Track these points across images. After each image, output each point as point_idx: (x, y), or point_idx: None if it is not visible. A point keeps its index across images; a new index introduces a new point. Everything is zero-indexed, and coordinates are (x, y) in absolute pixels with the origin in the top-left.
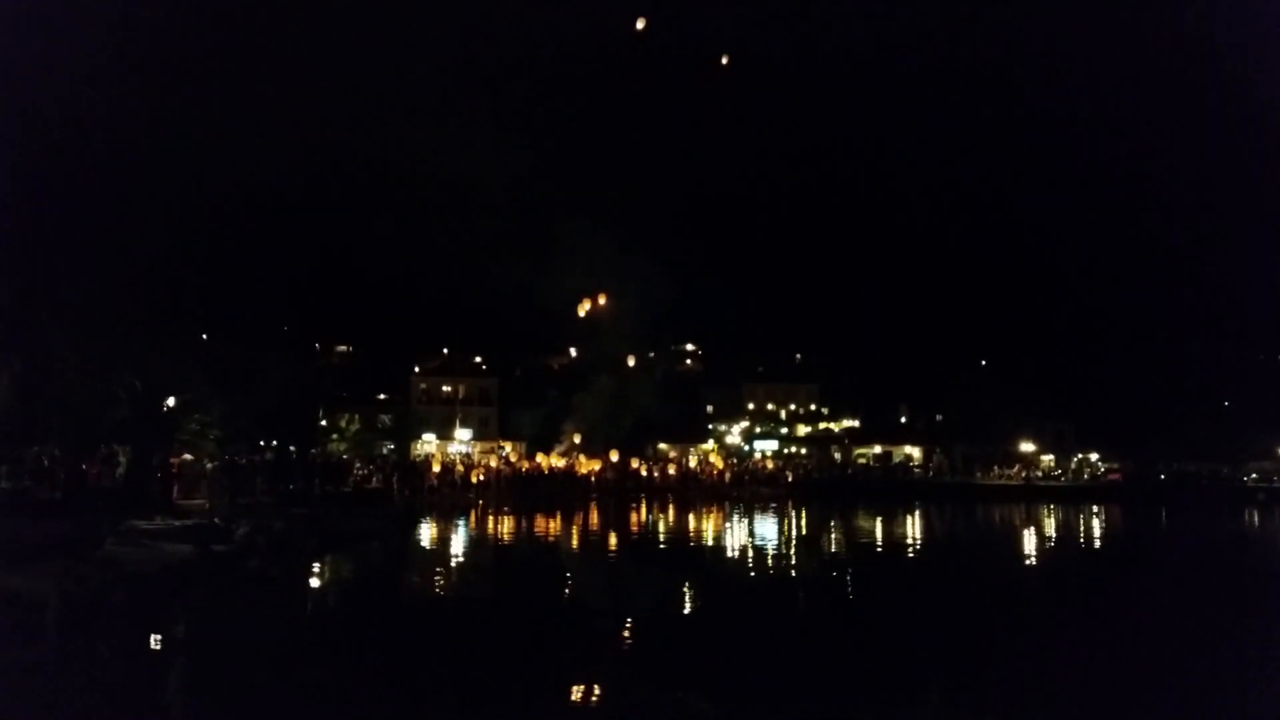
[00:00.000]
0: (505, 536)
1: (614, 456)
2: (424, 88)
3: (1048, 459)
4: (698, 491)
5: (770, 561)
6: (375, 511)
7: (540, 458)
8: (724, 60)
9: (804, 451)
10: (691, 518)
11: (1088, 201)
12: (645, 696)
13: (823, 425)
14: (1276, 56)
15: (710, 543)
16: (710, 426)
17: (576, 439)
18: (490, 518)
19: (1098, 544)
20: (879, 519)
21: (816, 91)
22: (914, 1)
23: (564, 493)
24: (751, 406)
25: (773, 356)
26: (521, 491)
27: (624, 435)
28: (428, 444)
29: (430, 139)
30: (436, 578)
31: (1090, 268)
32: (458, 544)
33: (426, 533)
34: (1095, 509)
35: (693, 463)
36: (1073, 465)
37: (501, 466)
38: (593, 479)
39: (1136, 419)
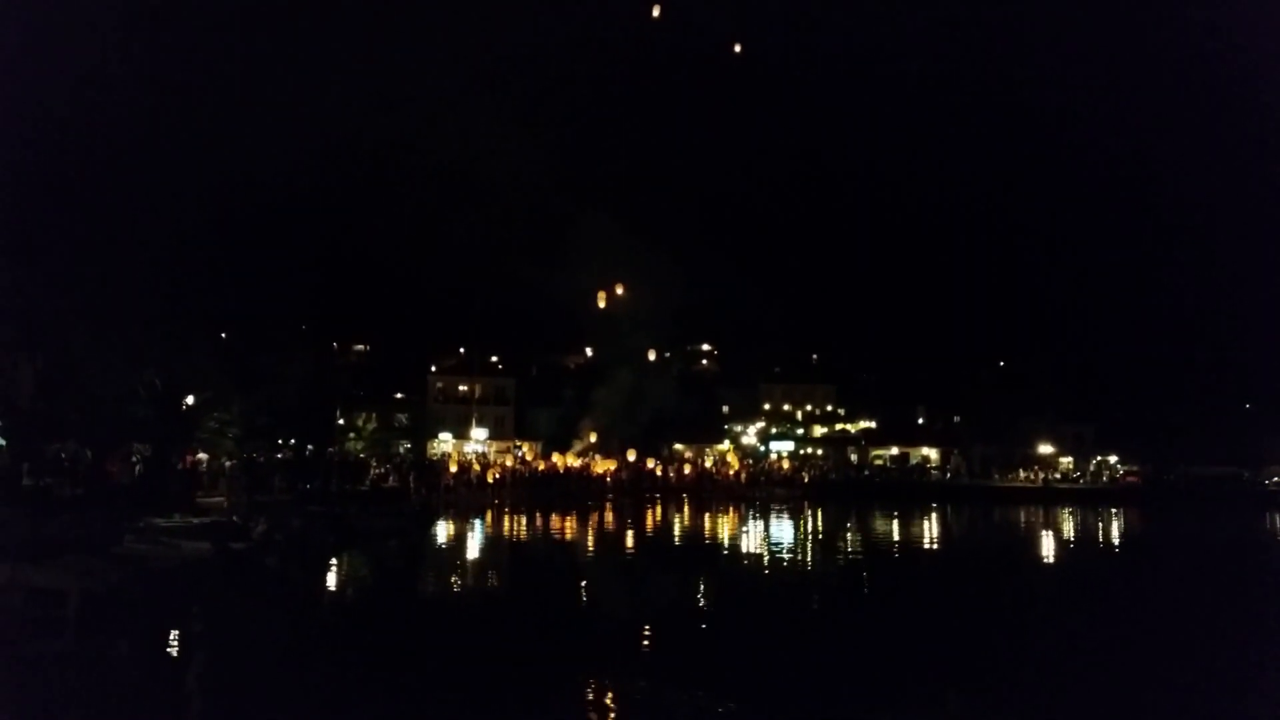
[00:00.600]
0: (521, 536)
1: (630, 456)
2: (440, 86)
3: (1066, 461)
4: (713, 492)
5: (786, 563)
6: (392, 510)
7: (556, 457)
8: (737, 48)
9: (820, 452)
10: (707, 518)
11: (1110, 201)
12: (657, 696)
13: (839, 426)
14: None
15: (726, 544)
16: (726, 427)
17: (593, 438)
18: (506, 517)
19: (1114, 547)
20: (895, 521)
21: (831, 91)
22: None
23: (580, 493)
24: (768, 407)
25: (789, 356)
26: (537, 491)
27: (640, 434)
28: (444, 443)
29: (447, 138)
30: (453, 576)
31: (1112, 269)
32: (474, 543)
33: (443, 532)
34: (1114, 512)
35: (708, 463)
36: (1091, 468)
37: (518, 466)
38: (608, 479)
39: (1156, 422)
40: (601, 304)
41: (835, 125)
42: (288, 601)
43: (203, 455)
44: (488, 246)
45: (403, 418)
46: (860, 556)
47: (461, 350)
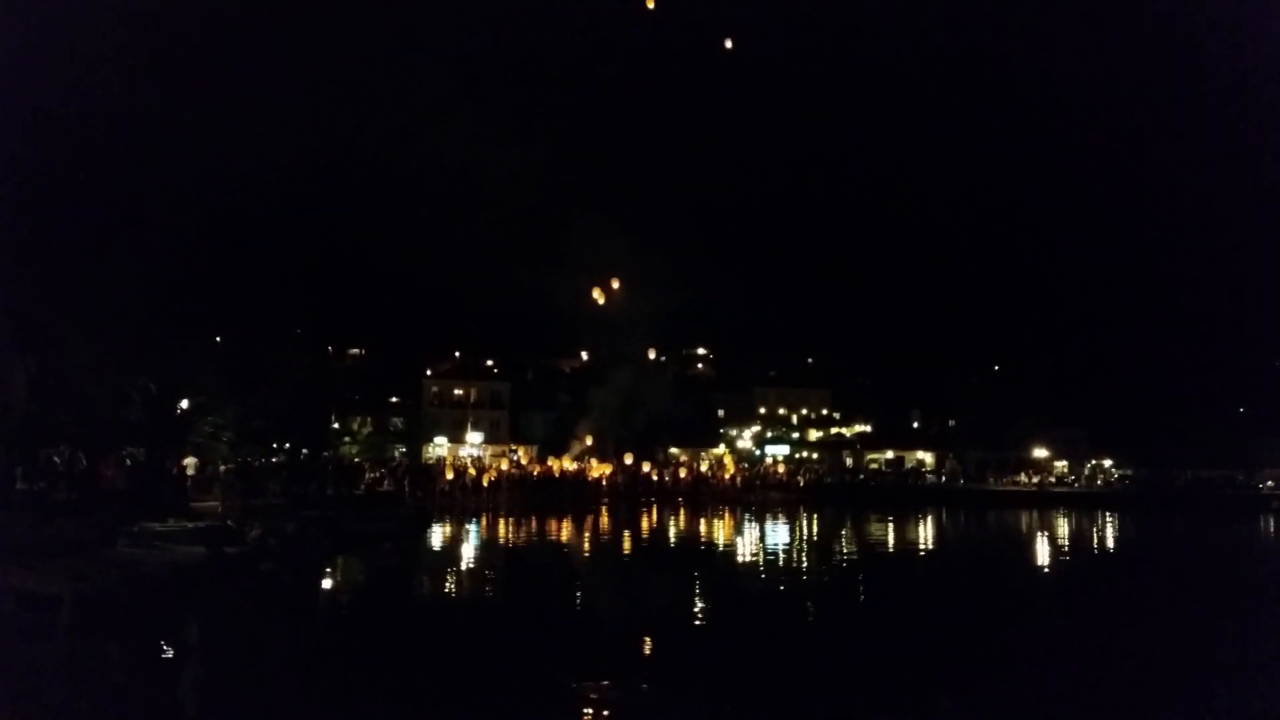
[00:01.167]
0: (516, 540)
1: (626, 460)
2: (435, 89)
3: (1061, 465)
4: (709, 496)
5: (781, 567)
6: (387, 514)
7: (551, 461)
8: (727, 44)
9: (815, 456)
10: (703, 522)
11: (1103, 205)
12: (653, 700)
13: (834, 430)
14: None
15: (721, 548)
16: (721, 431)
17: (588, 442)
18: (502, 521)
19: (1108, 550)
20: (890, 525)
21: (826, 94)
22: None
23: (575, 497)
24: (763, 411)
25: (784, 360)
26: (532, 495)
27: (635, 438)
28: (439, 447)
29: (441, 142)
30: (448, 581)
31: (1106, 272)
32: (469, 547)
33: (438, 536)
34: (1108, 515)
35: (704, 467)
36: (1086, 471)
37: (513, 470)
38: (604, 483)
39: (1150, 425)
40: (597, 307)
41: (833, 128)
42: (282, 606)
43: (195, 460)
44: (482, 250)
45: (398, 422)
46: (856, 560)
47: (456, 354)
